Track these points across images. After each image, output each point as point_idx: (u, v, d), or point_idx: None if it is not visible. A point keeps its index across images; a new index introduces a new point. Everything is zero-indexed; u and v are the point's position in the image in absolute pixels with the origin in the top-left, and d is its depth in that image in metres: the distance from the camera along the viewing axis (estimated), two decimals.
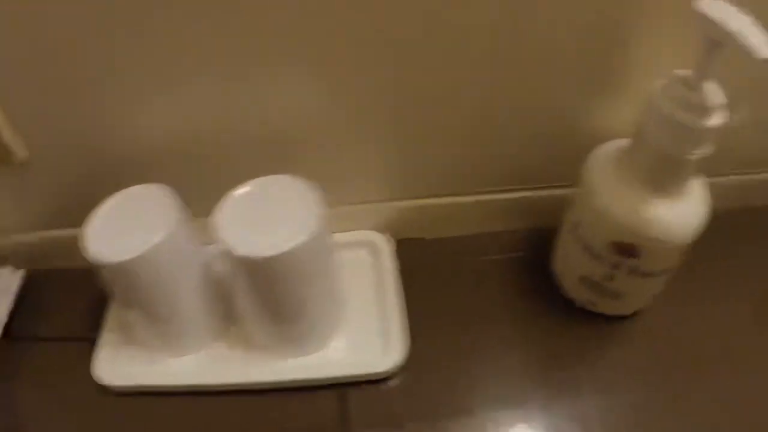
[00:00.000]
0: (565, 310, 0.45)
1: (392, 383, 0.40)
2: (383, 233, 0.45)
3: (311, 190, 0.35)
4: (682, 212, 0.37)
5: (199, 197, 0.35)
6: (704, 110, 0.33)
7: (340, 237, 0.44)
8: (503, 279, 0.47)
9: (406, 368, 0.40)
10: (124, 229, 0.34)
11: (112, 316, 0.42)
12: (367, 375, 0.39)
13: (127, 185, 0.37)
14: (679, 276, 0.43)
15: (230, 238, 0.32)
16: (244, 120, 0.38)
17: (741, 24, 0.29)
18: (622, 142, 0.39)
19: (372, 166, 0.42)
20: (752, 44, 0.28)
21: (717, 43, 0.30)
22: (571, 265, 0.44)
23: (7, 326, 0.44)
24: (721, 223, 0.42)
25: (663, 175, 0.36)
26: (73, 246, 0.35)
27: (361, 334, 0.41)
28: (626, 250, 0.38)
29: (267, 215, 0.34)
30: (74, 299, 0.46)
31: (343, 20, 0.33)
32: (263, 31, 0.34)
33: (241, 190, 0.35)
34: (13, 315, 0.45)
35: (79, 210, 0.36)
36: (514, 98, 0.40)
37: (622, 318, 0.45)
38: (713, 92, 0.33)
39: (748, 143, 0.45)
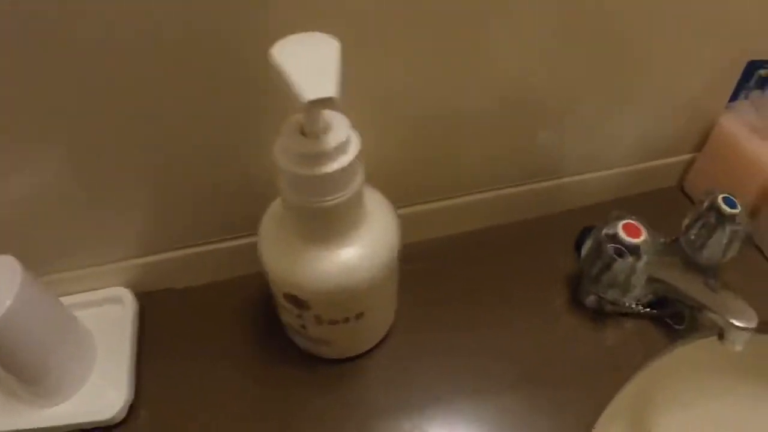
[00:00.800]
0: (293, 354, 0.43)
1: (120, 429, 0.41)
2: (131, 288, 0.48)
3: (16, 267, 0.37)
4: (342, 260, 0.34)
5: None
6: (321, 156, 0.29)
7: (87, 296, 0.47)
8: (244, 324, 0.46)
9: (136, 415, 0.41)
10: None
11: None
12: (95, 422, 0.41)
13: None
14: (423, 302, 0.45)
15: None
16: None
17: (304, 64, 0.26)
18: None
19: (115, 229, 0.44)
20: (298, 87, 0.25)
21: None
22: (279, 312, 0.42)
23: None
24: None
25: (309, 224, 0.33)
26: None
27: (99, 385, 0.43)
28: (297, 301, 0.35)
29: None
30: None
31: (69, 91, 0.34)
32: None
33: None
34: None
35: None
36: (222, 153, 0.41)
37: (352, 358, 0.43)
38: (333, 132, 0.30)
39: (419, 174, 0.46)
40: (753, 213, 0.52)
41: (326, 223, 0.33)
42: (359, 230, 0.35)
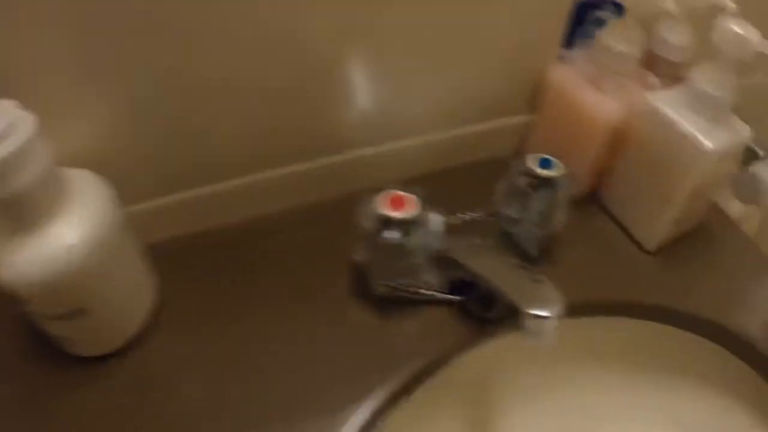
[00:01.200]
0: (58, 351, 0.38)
1: None
2: None
3: None
4: (40, 252, 0.31)
5: None
6: None
7: None
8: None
9: None
10: None
11: None
12: None
13: None
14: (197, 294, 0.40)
15: None
16: None
17: None
18: None
19: None
20: None
21: None
22: None
23: None
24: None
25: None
26: None
27: None
28: (11, 296, 0.32)
29: None
30: None
31: None
32: None
33: None
34: None
35: None
36: None
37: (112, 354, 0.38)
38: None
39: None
40: (598, 173, 0.45)
41: (8, 213, 0.30)
42: (58, 220, 0.32)
